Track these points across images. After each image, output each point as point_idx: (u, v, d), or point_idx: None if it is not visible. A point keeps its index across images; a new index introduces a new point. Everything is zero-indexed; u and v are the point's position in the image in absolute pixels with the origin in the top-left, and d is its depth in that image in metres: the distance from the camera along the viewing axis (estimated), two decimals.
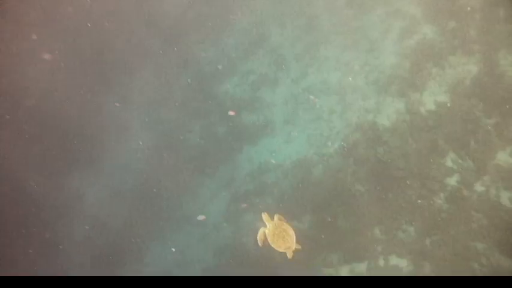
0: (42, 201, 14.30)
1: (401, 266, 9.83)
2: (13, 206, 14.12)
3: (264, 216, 7.89)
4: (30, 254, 13.64)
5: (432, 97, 11.20)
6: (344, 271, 10.32)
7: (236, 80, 15.93)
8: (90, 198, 14.50)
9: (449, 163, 10.33)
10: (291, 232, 7.65)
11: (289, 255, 7.63)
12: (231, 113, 14.52)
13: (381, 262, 10.01)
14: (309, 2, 15.86)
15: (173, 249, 13.21)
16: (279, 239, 7.55)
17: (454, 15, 11.71)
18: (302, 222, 11.58)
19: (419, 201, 10.13)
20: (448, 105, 10.85)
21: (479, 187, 9.79)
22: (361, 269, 10.19)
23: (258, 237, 7.73)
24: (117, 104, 15.45)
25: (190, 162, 14.80)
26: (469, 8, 11.54)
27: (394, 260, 9.93)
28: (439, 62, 11.48)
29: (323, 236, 10.92)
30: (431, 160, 10.45)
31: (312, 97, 13.52)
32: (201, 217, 13.21)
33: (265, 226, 7.83)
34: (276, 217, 7.88)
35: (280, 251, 7.58)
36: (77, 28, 15.82)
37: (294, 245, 7.57)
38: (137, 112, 15.83)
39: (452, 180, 10.12)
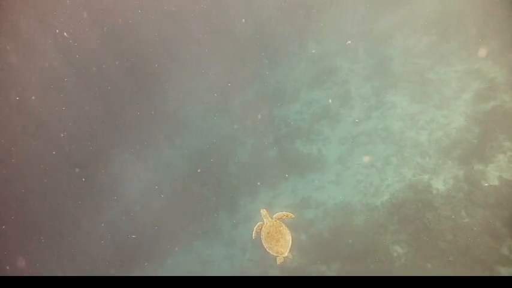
0: (76, 186, 15.16)
1: None
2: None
3: (263, 212, 7.30)
4: (45, 242, 14.54)
5: (498, 172, 10.33)
6: None
7: (298, 107, 15.88)
8: (126, 188, 15.08)
9: (504, 250, 9.42)
10: (288, 237, 6.97)
11: (279, 261, 7.01)
12: None
13: None
14: (387, 42, 15.42)
15: (195, 258, 13.40)
16: (272, 240, 6.95)
17: None
18: (330, 269, 11.24)
19: None
20: None
21: None
22: None
23: (254, 229, 7.26)
24: (171, 105, 16.00)
25: (235, 176, 14.98)
26: None
27: None
28: None
29: None
30: (483, 242, 9.63)
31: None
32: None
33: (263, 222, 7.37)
34: (276, 216, 7.09)
35: (271, 253, 7.07)
36: (137, 36, 16.62)
37: (286, 252, 7.03)
38: (193, 115, 16.31)
39: (505, 271, 9.22)
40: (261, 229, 7.08)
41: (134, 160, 15.51)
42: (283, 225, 7.09)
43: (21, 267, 13.41)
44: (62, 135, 15.20)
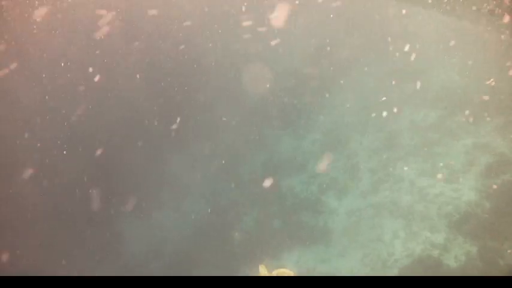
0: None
1: None
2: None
3: (262, 268, 6.72)
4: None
5: None
6: None
7: (305, 178, 15.65)
8: (125, 248, 14.51)
9: None
10: None
11: None
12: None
13: None
14: (394, 116, 15.59)
15: None
16: None
17: None
18: None
19: None
20: None
21: None
22: None
23: None
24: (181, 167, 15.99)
25: (238, 245, 14.33)
26: None
27: None
28: None
29: None
30: None
31: None
32: None
33: None
34: (275, 272, 6.69)
35: None
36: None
37: None
38: (198, 180, 16.12)
39: None
40: None
41: (136, 221, 15.23)
42: None
43: None
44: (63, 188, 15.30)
